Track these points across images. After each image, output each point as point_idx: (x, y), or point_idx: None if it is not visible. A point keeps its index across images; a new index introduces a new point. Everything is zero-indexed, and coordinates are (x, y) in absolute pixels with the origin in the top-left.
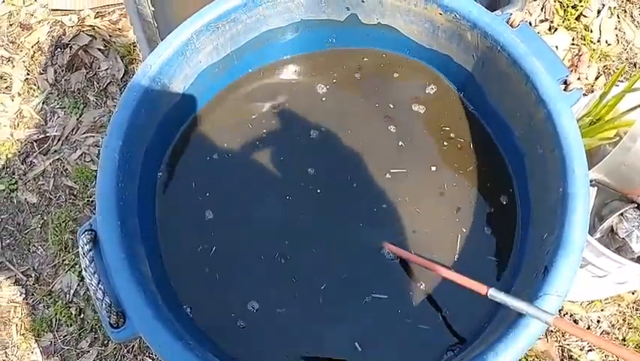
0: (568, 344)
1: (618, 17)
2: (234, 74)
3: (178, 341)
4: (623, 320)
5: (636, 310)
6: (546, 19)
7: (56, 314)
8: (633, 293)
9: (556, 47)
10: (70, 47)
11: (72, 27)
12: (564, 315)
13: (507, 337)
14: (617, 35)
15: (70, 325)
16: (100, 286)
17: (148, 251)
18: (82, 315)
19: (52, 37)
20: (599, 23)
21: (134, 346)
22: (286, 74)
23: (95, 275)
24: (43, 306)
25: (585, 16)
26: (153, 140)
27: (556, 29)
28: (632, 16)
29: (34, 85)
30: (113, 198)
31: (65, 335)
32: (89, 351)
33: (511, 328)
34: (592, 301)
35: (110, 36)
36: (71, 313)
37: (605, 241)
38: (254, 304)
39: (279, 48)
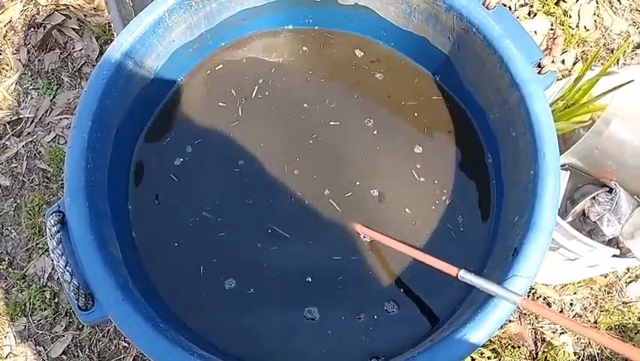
0: (541, 327)
1: (597, 3)
2: (208, 54)
3: (148, 323)
4: (595, 302)
5: (608, 293)
6: (526, 4)
7: (30, 298)
8: (605, 277)
9: (535, 31)
10: (44, 27)
11: (46, 6)
12: (537, 298)
13: (476, 317)
14: (595, 21)
15: (45, 309)
16: (67, 268)
17: (119, 233)
18: (56, 299)
19: (26, 16)
20: (578, 9)
21: (109, 330)
22: (260, 53)
23: (63, 257)
24: (17, 290)
25: (564, 1)
26: (126, 120)
27: (535, 14)
28: (610, 2)
29: (7, 65)
30: (81, 179)
31: (40, 320)
32: (63, 335)
33: (480, 309)
34: (565, 285)
35: (84, 15)
36: (45, 298)
37: (576, 224)
38: (230, 284)
39: (255, 28)
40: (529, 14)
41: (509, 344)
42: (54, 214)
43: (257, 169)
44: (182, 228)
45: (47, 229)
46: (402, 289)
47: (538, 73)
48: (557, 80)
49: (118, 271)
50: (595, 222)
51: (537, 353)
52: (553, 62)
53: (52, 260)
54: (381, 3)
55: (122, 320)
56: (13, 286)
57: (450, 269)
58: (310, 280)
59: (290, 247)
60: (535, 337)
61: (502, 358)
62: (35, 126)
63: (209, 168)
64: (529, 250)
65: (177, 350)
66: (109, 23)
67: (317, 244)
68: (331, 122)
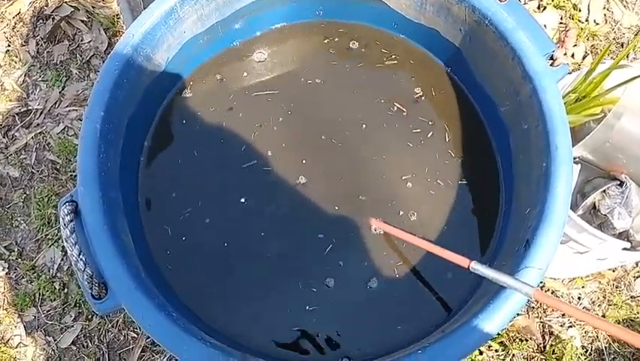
0: (549, 320)
1: None
2: (220, 46)
3: (160, 311)
4: (604, 296)
5: (616, 287)
6: None
7: (40, 289)
8: (614, 271)
9: (545, 25)
10: (53, 19)
11: None
12: (546, 292)
13: (488, 309)
14: (605, 15)
15: (54, 299)
16: (81, 257)
17: (131, 224)
18: (66, 290)
19: (35, 7)
20: (588, 2)
21: (118, 320)
22: (271, 45)
23: (76, 246)
24: (27, 281)
25: None
26: (137, 111)
27: (545, 8)
28: None
29: (16, 57)
30: (94, 169)
31: (49, 310)
32: (72, 326)
33: (492, 300)
34: (573, 278)
35: (93, 7)
36: (55, 288)
37: (587, 217)
38: (241, 275)
39: (266, 19)
40: (538, 8)
41: (517, 338)
42: (67, 204)
43: (268, 164)
44: (190, 220)
45: (61, 219)
46: (413, 281)
47: (551, 65)
48: (568, 73)
49: (130, 261)
50: (605, 215)
51: (545, 347)
52: (565, 54)
53: (66, 249)
54: None
55: (135, 309)
56: (23, 277)
57: (461, 261)
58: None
59: (303, 242)
60: (543, 330)
61: (510, 351)
62: (44, 118)
63: (218, 162)
64: (542, 241)
65: (191, 339)
66: (117, 15)
67: (330, 237)
68: (341, 118)
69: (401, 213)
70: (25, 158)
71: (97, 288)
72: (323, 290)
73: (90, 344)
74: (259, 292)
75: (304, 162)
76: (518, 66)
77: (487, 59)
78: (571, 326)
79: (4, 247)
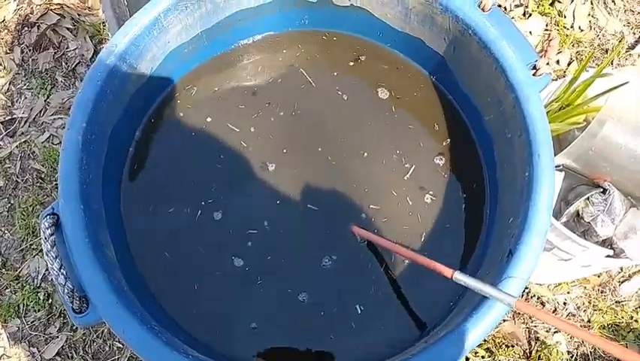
0: (535, 326)
1: (592, 3)
2: (205, 55)
3: (143, 325)
4: (589, 302)
5: (601, 292)
6: (521, 4)
7: (24, 300)
8: (599, 276)
9: (530, 32)
10: (38, 26)
11: (40, 5)
12: (531, 297)
13: (471, 319)
14: (590, 22)
15: (38, 310)
16: (62, 271)
17: (113, 236)
18: (50, 300)
19: (19, 15)
20: (573, 9)
21: (103, 331)
22: (256, 54)
23: (57, 260)
24: (10, 291)
25: (559, 2)
26: (120, 121)
27: (530, 15)
28: (604, 3)
29: (0, 65)
30: (75, 181)
31: (33, 321)
32: (57, 337)
33: (475, 310)
34: (559, 284)
35: (78, 15)
36: (39, 299)
37: (570, 225)
38: (219, 290)
39: (251, 29)
40: (524, 15)
41: (503, 343)
42: (48, 217)
43: (250, 172)
44: (175, 229)
45: (41, 232)
46: (397, 291)
47: (534, 75)
48: (552, 80)
49: (113, 274)
50: (589, 222)
51: (531, 352)
52: (548, 63)
53: (47, 263)
54: (377, 4)
55: (117, 323)
56: (7, 288)
57: (445, 271)
58: (306, 281)
59: (286, 249)
60: (529, 336)
61: (496, 357)
62: (29, 126)
63: (203, 170)
64: (524, 251)
65: (172, 353)
66: (103, 23)
67: (314, 245)
68: (326, 126)
69: (384, 220)
70: (9, 167)
71: (78, 302)
72: (301, 296)
73: (75, 355)
74: (244, 307)
75: (285, 151)
76: (501, 76)
77: (471, 68)
78: (557, 332)
79: None
